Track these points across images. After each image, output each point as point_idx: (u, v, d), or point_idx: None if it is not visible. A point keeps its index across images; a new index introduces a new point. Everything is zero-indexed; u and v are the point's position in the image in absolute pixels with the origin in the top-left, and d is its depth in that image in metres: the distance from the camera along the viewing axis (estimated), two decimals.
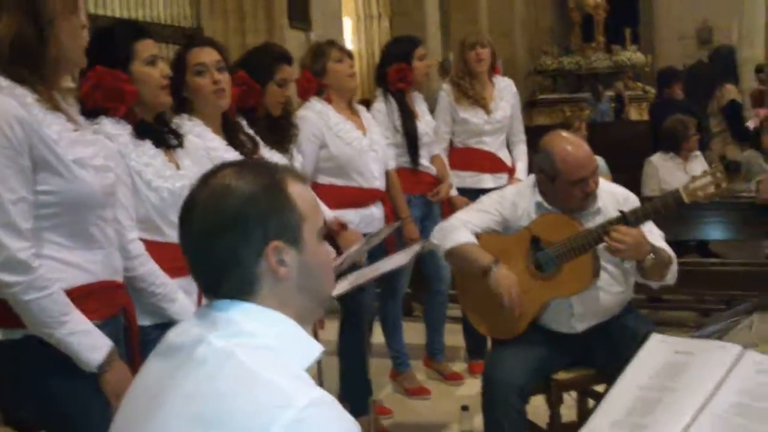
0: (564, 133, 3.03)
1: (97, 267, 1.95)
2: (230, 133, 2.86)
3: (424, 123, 4.17)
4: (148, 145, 2.37)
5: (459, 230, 3.01)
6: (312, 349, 1.32)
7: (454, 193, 4.28)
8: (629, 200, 3.02)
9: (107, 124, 2.28)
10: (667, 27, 13.71)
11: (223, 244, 1.30)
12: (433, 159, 4.26)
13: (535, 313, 2.97)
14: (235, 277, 1.31)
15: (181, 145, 2.50)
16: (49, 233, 1.87)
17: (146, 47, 2.37)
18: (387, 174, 3.95)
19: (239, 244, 1.30)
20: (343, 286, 2.99)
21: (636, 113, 12.18)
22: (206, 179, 1.35)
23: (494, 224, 3.05)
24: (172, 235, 2.30)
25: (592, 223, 2.93)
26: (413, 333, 4.45)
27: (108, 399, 1.90)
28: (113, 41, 2.32)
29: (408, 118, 4.05)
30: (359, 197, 3.74)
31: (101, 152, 2.00)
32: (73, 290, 1.88)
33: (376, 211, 3.80)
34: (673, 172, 5.46)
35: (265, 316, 1.30)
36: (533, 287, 2.94)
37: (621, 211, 2.85)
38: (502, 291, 2.88)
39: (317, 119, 3.65)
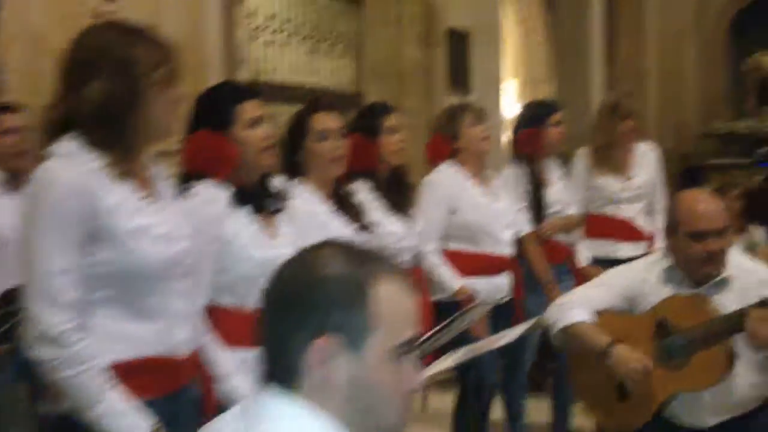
0: (701, 190, 2.82)
1: (153, 340, 1.81)
2: (339, 200, 2.75)
3: (556, 191, 3.89)
4: (245, 211, 2.28)
5: (576, 308, 2.71)
6: None
7: (586, 261, 3.96)
8: None
9: (205, 188, 2.21)
10: None
11: (283, 322, 1.15)
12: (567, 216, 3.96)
13: (657, 406, 2.60)
14: (282, 363, 1.14)
15: (282, 210, 2.40)
16: (100, 304, 1.76)
17: (249, 109, 2.28)
18: (521, 239, 3.73)
19: (294, 325, 1.14)
20: (449, 361, 2.79)
21: None
22: (303, 252, 1.21)
23: (619, 301, 2.73)
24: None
25: (721, 296, 2.57)
26: (539, 410, 4.08)
27: None
28: (215, 104, 2.26)
29: (536, 184, 3.80)
30: (489, 264, 3.53)
31: (173, 220, 1.88)
32: (121, 365, 1.75)
33: (503, 280, 3.58)
34: None
35: (304, 425, 1.11)
36: (658, 377, 2.58)
37: (765, 298, 2.46)
38: (627, 373, 2.55)
39: (449, 183, 3.50)
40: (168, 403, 1.82)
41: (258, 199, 2.33)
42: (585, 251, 4.00)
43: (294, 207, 2.55)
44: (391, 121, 3.15)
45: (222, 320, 2.17)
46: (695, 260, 2.57)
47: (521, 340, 3.38)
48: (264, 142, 2.29)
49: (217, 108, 2.25)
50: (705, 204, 2.61)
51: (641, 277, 2.72)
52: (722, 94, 13.45)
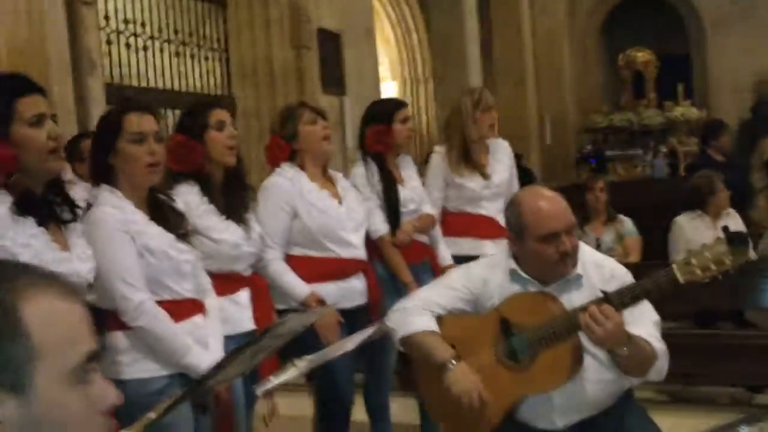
0: (539, 187, 2.61)
1: None
2: (154, 207, 2.46)
3: (410, 189, 3.69)
4: (29, 223, 2.00)
5: (418, 314, 2.52)
6: None
7: (448, 260, 3.79)
8: (615, 277, 2.45)
9: None
10: (721, 81, 12.93)
11: None
12: (420, 216, 3.73)
13: (505, 411, 2.43)
14: None
15: (75, 218, 2.14)
16: None
17: (30, 105, 2.01)
18: (378, 241, 3.54)
19: None
20: (297, 369, 2.56)
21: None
22: None
23: (462, 303, 2.55)
24: None
25: (571, 295, 2.41)
26: (409, 410, 3.88)
27: None
28: None
29: (388, 182, 3.59)
30: (338, 269, 3.26)
31: None
32: None
33: (357, 284, 3.32)
34: (702, 232, 4.82)
35: None
36: (504, 380, 2.41)
37: (604, 292, 2.29)
38: (459, 394, 2.38)
39: (290, 186, 3.22)
40: None
41: (45, 207, 2.06)
42: (446, 250, 3.84)
43: (100, 215, 2.29)
44: (217, 116, 2.85)
45: None
46: (549, 262, 2.39)
47: (382, 341, 3.19)
48: (50, 143, 2.02)
49: None
50: (549, 203, 2.41)
51: (483, 277, 2.54)
52: (599, 90, 13.76)
